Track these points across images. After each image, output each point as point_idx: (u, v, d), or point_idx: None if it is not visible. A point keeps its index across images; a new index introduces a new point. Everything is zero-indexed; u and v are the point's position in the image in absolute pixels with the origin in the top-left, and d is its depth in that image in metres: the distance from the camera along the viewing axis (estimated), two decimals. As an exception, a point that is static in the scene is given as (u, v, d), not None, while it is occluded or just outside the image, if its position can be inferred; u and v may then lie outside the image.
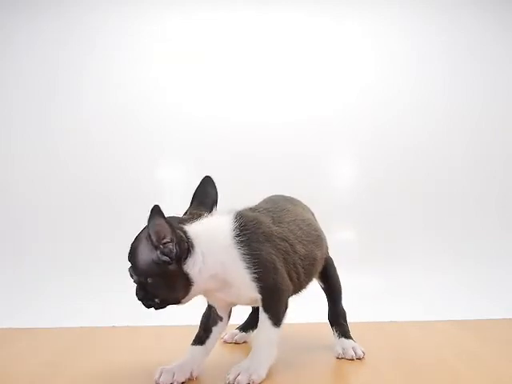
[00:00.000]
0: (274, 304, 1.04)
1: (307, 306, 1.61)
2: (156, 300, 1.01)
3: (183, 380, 1.03)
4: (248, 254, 1.01)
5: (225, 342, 1.36)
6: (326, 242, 1.28)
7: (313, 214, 1.33)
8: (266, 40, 2.84)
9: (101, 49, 2.79)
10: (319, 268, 1.24)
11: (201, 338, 1.11)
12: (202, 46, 2.81)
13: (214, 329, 1.12)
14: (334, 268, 1.31)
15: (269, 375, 1.04)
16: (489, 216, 2.75)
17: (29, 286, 2.28)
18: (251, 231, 1.04)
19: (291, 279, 1.08)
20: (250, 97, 2.81)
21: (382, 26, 2.87)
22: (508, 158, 2.83)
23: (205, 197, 1.13)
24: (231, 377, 0.99)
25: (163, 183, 2.75)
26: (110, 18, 2.82)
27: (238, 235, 1.03)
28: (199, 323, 1.13)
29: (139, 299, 1.03)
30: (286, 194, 1.32)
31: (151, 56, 2.80)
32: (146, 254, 1.00)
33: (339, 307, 1.29)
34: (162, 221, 0.95)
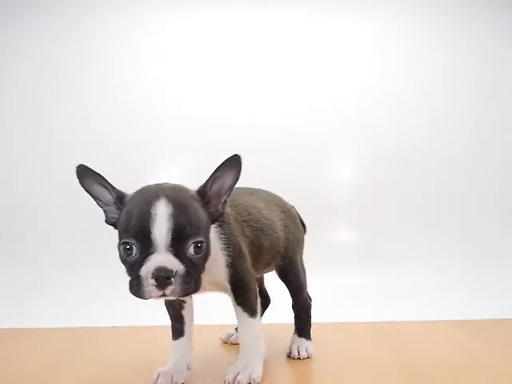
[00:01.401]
0: (244, 295, 1.02)
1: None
2: (200, 276, 0.89)
3: (183, 381, 1.03)
4: (223, 234, 0.99)
5: (223, 341, 1.36)
6: (289, 238, 1.20)
7: (286, 209, 1.25)
8: (266, 40, 2.84)
9: (101, 49, 2.79)
10: (267, 259, 1.16)
11: (178, 330, 1.08)
12: (202, 45, 2.81)
13: (184, 313, 1.08)
14: (293, 267, 1.22)
15: (266, 375, 1.04)
16: (489, 216, 2.75)
17: (29, 285, 2.28)
18: None
19: None
20: (250, 97, 2.81)
21: (382, 26, 2.88)
22: (508, 158, 2.83)
23: None
24: (230, 377, 0.99)
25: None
26: (110, 17, 2.83)
27: None
28: (168, 315, 1.09)
29: (187, 281, 0.85)
30: (286, 194, 1.31)
31: (151, 56, 2.80)
32: (201, 211, 0.89)
33: (298, 301, 1.24)
34: (237, 177, 0.91)
